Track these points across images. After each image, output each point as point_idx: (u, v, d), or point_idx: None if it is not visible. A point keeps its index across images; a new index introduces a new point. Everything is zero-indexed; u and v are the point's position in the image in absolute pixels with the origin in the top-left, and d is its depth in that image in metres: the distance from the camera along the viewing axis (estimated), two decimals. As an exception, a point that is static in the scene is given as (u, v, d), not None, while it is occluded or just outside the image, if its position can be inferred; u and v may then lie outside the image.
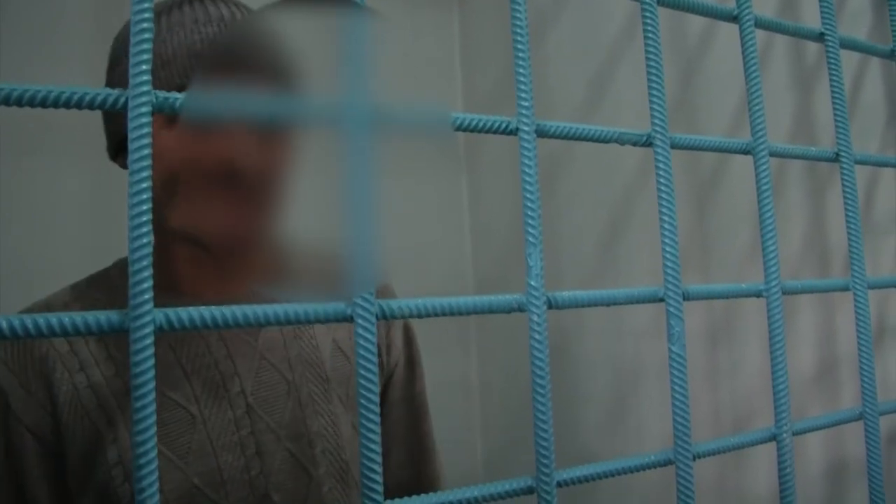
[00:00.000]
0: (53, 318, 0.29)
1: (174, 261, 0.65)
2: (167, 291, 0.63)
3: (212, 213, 0.60)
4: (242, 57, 0.59)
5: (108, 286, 0.67)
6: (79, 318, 0.29)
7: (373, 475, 0.34)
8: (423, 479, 0.79)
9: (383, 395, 0.77)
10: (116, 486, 0.59)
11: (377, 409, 0.35)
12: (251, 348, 0.66)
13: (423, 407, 0.80)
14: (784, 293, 0.50)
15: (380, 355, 0.74)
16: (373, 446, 0.35)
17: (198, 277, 0.65)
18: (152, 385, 0.30)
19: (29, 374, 0.60)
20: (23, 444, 0.59)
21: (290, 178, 0.64)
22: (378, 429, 0.35)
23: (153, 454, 0.30)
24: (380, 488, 0.34)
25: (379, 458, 0.35)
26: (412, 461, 0.79)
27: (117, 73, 0.63)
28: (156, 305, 0.31)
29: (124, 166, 0.64)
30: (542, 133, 0.41)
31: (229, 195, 0.60)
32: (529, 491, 0.40)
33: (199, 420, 0.62)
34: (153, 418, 0.30)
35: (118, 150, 0.65)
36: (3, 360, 0.61)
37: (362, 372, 0.35)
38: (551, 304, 0.40)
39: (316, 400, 0.67)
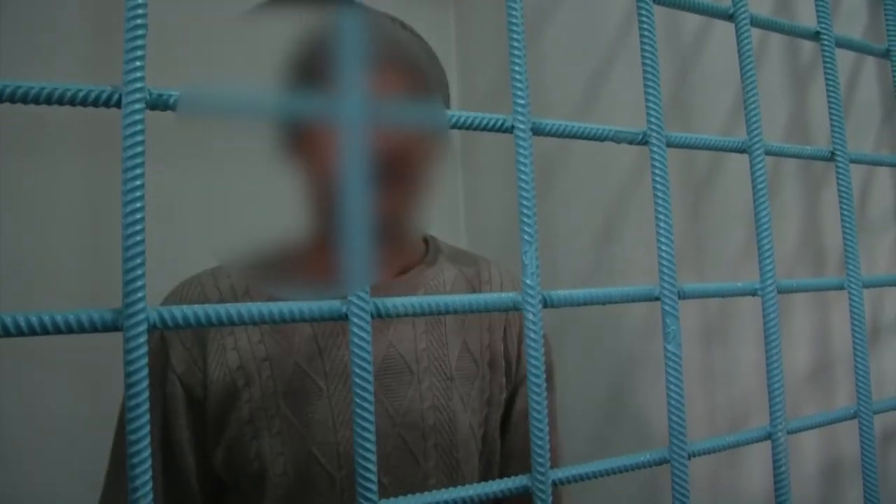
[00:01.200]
0: (47, 315, 0.29)
1: (320, 252, 0.68)
2: (309, 278, 0.68)
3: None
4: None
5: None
6: (72, 316, 0.29)
7: (367, 474, 0.34)
8: None
9: (509, 404, 0.76)
10: (247, 441, 0.64)
11: (371, 408, 0.35)
12: (382, 336, 0.68)
13: (552, 423, 0.78)
14: (779, 292, 0.50)
15: (508, 364, 0.75)
16: (368, 445, 0.34)
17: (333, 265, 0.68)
18: (146, 383, 0.30)
19: (188, 331, 0.67)
20: (174, 391, 0.66)
21: (432, 171, 0.67)
22: (372, 427, 0.35)
23: (147, 453, 0.30)
24: (374, 487, 0.34)
25: (373, 458, 0.35)
26: None
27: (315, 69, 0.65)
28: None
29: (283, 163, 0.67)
30: (537, 131, 0.41)
31: (377, 181, 0.61)
32: (526, 490, 0.40)
33: (325, 394, 0.65)
34: (146, 417, 0.30)
35: (291, 145, 0.68)
36: None
37: (357, 370, 0.35)
38: (547, 303, 0.40)
39: (436, 395, 0.69)
